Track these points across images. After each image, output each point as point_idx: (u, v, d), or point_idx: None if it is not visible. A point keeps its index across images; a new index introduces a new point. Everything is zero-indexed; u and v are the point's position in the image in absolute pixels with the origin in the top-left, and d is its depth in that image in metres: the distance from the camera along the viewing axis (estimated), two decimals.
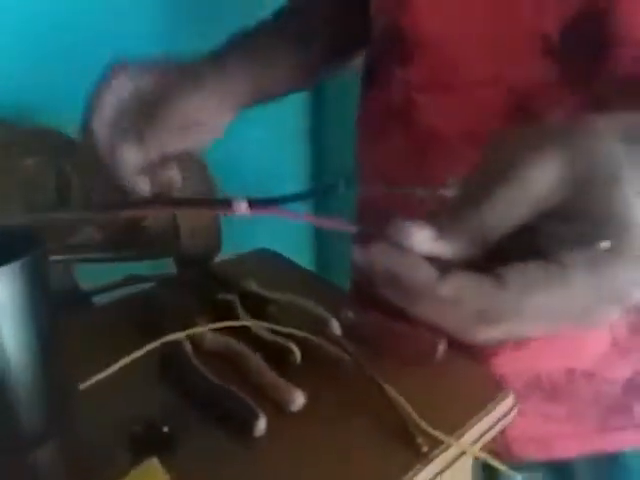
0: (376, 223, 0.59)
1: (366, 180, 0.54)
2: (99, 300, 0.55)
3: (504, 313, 0.22)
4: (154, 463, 0.31)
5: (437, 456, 0.34)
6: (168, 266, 0.60)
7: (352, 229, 0.24)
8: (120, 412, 0.37)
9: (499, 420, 0.38)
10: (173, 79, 0.40)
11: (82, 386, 0.38)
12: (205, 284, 0.51)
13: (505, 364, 0.44)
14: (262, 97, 0.47)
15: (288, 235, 0.85)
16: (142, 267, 0.56)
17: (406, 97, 0.44)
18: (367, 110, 0.52)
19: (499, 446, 0.44)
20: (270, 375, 0.39)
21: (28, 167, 0.50)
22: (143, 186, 0.38)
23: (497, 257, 0.23)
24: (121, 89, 0.38)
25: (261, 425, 0.35)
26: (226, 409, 0.36)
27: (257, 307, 0.46)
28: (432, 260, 0.23)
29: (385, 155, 0.48)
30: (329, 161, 0.90)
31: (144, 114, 0.38)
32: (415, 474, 0.33)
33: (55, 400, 0.37)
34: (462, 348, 0.43)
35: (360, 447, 0.35)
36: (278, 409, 0.37)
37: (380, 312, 0.45)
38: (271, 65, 0.47)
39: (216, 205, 0.27)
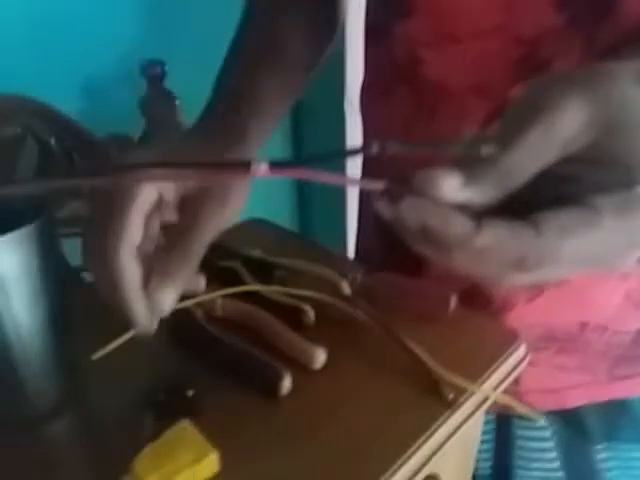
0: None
1: (370, 134, 0.53)
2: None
3: (542, 260, 0.23)
4: (186, 424, 0.30)
5: (463, 403, 0.35)
6: None
7: (379, 186, 0.23)
8: (138, 381, 0.36)
9: (514, 368, 0.39)
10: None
11: (94, 357, 0.37)
12: (205, 253, 0.50)
13: (520, 318, 0.44)
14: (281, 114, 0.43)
15: (272, 205, 0.84)
16: None
17: (410, 52, 0.43)
18: (371, 69, 0.51)
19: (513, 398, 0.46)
20: (289, 335, 0.38)
21: (7, 138, 0.48)
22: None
23: (528, 206, 0.23)
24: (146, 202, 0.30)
25: (286, 383, 0.35)
26: (249, 370, 0.36)
27: (264, 273, 0.46)
28: (461, 210, 0.23)
29: (392, 114, 0.47)
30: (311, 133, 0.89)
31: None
32: (443, 422, 0.34)
33: (67, 371, 0.35)
34: (477, 305, 0.44)
35: (386, 400, 0.35)
36: (300, 368, 0.37)
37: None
38: (293, 69, 0.43)
39: (233, 168, 0.25)
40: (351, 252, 0.70)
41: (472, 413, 0.35)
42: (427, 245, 0.24)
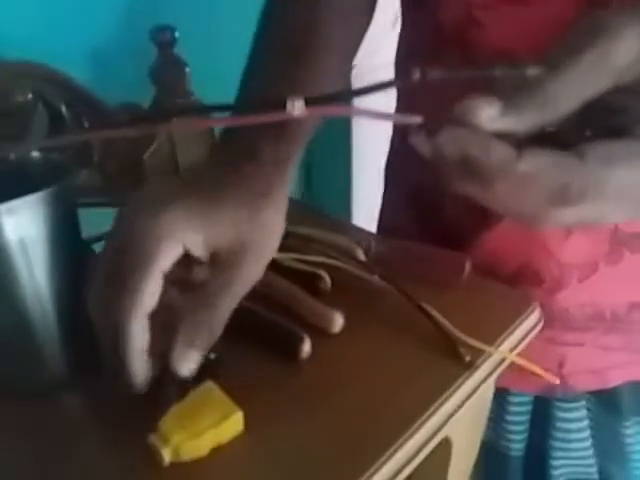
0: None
1: (410, 106, 0.48)
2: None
3: (586, 189, 0.21)
4: (211, 385, 0.31)
5: (481, 365, 0.35)
6: None
7: (416, 120, 0.22)
8: (155, 344, 0.36)
9: (530, 331, 0.39)
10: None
11: None
12: None
13: (571, 297, 0.44)
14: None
15: None
16: None
17: (463, 14, 0.39)
18: (411, 35, 0.47)
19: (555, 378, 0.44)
20: (306, 299, 0.39)
21: (19, 105, 0.47)
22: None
23: (574, 138, 0.22)
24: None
25: (306, 347, 0.35)
26: (269, 335, 0.36)
27: None
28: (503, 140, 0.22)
29: (436, 90, 0.44)
30: None
31: None
32: (461, 383, 0.34)
33: (85, 336, 0.36)
34: (528, 283, 0.43)
35: (404, 363, 0.36)
36: (318, 332, 0.37)
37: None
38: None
39: (268, 109, 0.24)
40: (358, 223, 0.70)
41: (489, 375, 0.35)
42: (467, 179, 0.23)
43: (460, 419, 0.34)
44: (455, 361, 0.35)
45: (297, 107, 0.22)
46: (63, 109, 0.49)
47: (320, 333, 0.37)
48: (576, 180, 0.21)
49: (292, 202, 0.62)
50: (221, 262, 0.30)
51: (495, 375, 0.36)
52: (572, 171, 0.21)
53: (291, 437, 0.31)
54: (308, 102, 0.23)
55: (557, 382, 0.36)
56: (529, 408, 0.50)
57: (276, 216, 0.33)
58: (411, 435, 0.31)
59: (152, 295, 0.27)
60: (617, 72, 0.21)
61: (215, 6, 0.55)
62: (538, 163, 0.21)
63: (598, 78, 0.21)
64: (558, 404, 0.49)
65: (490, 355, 0.36)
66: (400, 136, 0.52)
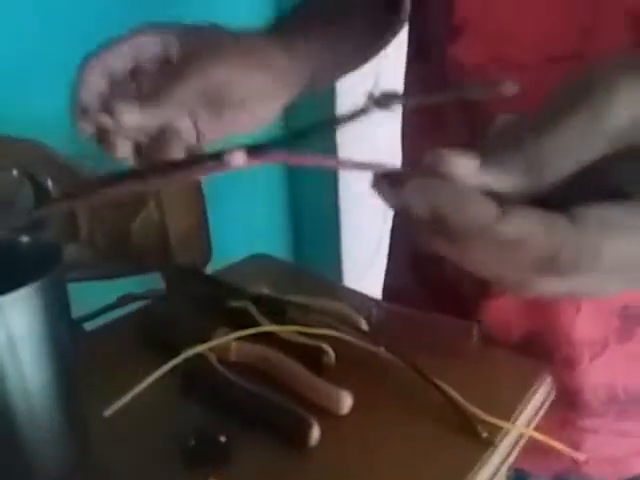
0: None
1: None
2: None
3: (579, 258, 0.19)
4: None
5: (500, 442, 0.33)
6: (156, 285, 0.56)
7: (376, 168, 0.20)
8: (159, 430, 0.34)
9: (544, 402, 0.38)
10: (211, 42, 0.33)
11: (106, 413, 0.35)
12: (211, 293, 0.48)
13: (582, 378, 0.42)
14: (316, 82, 0.41)
15: (264, 237, 0.83)
16: (127, 287, 0.52)
17: (462, 79, 0.38)
18: (416, 85, 0.46)
19: (569, 465, 0.43)
20: (310, 378, 0.37)
21: (7, 184, 0.46)
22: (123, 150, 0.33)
23: (564, 199, 0.19)
24: (131, 52, 0.33)
25: (315, 434, 0.33)
26: (275, 419, 0.34)
27: (275, 311, 0.44)
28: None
29: (439, 143, 0.44)
30: None
31: (162, 77, 0.32)
32: (483, 463, 0.32)
33: (78, 432, 0.33)
34: (535, 357, 0.40)
35: (419, 443, 0.34)
36: (325, 413, 0.35)
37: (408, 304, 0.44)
38: (330, 47, 0.41)
39: (207, 162, 0.22)
40: (347, 283, 0.68)
41: (510, 452, 0.34)
42: (438, 237, 0.20)
43: None
44: (472, 439, 0.34)
45: (237, 158, 0.21)
46: (49, 184, 0.48)
47: (327, 414, 0.35)
48: (567, 247, 0.19)
49: (287, 267, 0.61)
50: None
51: (515, 453, 0.34)
52: (563, 237, 0.19)
53: None
54: (249, 152, 0.21)
55: (582, 458, 0.34)
56: None
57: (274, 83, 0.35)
58: None
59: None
60: (611, 138, 0.19)
61: None
62: (523, 225, 0.19)
63: (589, 145, 0.19)
64: None
65: (508, 431, 0.34)
66: None
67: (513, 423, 0.35)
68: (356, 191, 0.84)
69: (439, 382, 0.36)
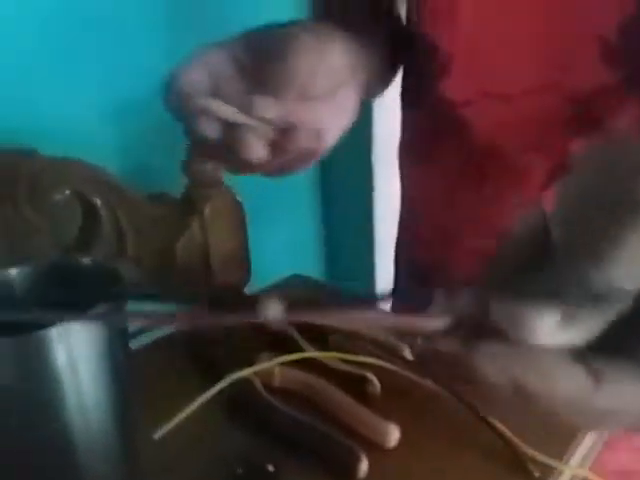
0: (423, 281, 0.50)
1: (412, 206, 0.51)
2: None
3: (600, 418, 0.19)
4: None
5: None
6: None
7: (440, 323, 0.19)
8: (207, 457, 0.34)
9: (597, 441, 0.37)
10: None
11: (155, 436, 0.35)
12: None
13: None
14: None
15: (297, 256, 0.83)
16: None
17: (452, 114, 0.41)
18: (410, 132, 0.49)
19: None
20: (356, 408, 0.36)
21: (57, 202, 0.47)
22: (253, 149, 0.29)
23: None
24: (218, 62, 0.30)
25: (363, 467, 0.33)
26: (322, 449, 0.34)
27: (318, 337, 0.44)
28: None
29: (437, 178, 0.45)
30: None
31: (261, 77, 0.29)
32: None
33: (130, 454, 0.33)
34: None
35: (468, 479, 0.33)
36: (372, 445, 0.34)
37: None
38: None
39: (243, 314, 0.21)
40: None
41: None
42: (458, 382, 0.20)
43: None
44: (523, 477, 0.33)
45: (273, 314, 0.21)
46: (98, 204, 0.49)
47: (374, 446, 0.35)
48: (589, 410, 0.18)
49: (327, 289, 0.61)
50: None
51: None
52: (586, 398, 0.18)
53: None
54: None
55: None
56: None
57: None
58: None
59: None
60: None
61: None
62: (620, 394, 0.18)
63: None
64: None
65: (562, 472, 0.33)
66: (404, 218, 0.54)
67: (566, 463, 0.34)
68: (390, 209, 0.84)
69: (490, 417, 0.35)
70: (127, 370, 0.32)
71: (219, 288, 0.55)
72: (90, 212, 0.49)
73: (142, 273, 0.51)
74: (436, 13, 0.39)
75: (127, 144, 0.60)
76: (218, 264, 0.55)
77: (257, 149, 0.29)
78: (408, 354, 0.42)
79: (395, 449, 0.35)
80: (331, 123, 0.31)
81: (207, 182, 0.54)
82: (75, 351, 0.28)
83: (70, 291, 0.33)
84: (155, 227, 0.52)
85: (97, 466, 0.32)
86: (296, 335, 0.44)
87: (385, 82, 0.48)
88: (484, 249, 0.38)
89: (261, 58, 0.30)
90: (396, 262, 0.57)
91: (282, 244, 0.77)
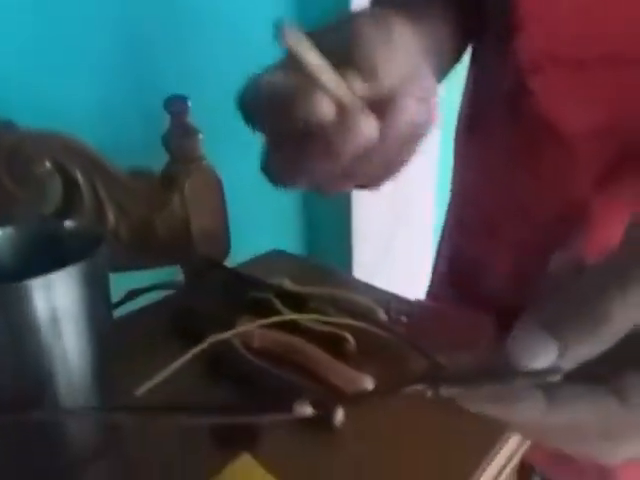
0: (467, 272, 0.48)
1: (462, 187, 0.48)
2: None
3: (632, 433, 0.19)
4: (248, 458, 0.29)
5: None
6: (171, 278, 0.58)
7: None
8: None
9: None
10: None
11: (137, 392, 0.36)
12: (233, 285, 0.50)
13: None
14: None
15: (277, 232, 0.84)
16: (143, 280, 0.53)
17: (518, 82, 0.36)
18: (471, 93, 0.46)
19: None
20: (333, 363, 0.38)
21: (38, 174, 0.48)
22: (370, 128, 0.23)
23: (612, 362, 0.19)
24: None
25: (339, 416, 0.34)
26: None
27: (297, 303, 0.45)
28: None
29: (492, 155, 0.42)
30: None
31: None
32: (501, 446, 0.33)
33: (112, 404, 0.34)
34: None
35: (438, 427, 0.35)
36: (349, 397, 0.36)
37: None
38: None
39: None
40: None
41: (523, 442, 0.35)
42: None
43: None
44: (491, 427, 0.35)
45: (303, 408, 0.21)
46: (78, 176, 0.50)
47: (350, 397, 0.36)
48: (618, 426, 0.19)
49: (306, 262, 0.62)
50: None
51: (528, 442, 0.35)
52: (614, 418, 0.19)
53: None
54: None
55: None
56: None
57: None
58: None
59: None
60: None
61: (229, 74, 0.57)
62: (573, 412, 0.19)
63: None
64: None
65: None
66: (451, 202, 0.52)
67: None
68: (368, 195, 0.86)
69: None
70: (108, 324, 0.33)
71: (199, 262, 0.56)
72: (70, 185, 0.50)
73: (120, 245, 0.52)
74: None
75: (107, 119, 0.60)
76: (198, 238, 0.56)
77: (369, 126, 0.22)
78: (382, 315, 0.43)
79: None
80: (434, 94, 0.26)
81: (187, 158, 0.55)
82: (56, 302, 0.29)
83: (54, 254, 0.33)
84: (135, 201, 0.53)
85: (75, 420, 0.33)
86: (275, 301, 0.45)
87: (456, 58, 0.43)
88: (527, 242, 0.38)
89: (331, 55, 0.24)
90: (438, 250, 0.55)
91: (262, 219, 0.78)
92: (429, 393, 0.20)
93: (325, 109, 0.22)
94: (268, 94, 0.23)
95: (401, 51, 0.25)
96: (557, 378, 0.18)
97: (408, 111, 0.23)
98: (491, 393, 0.19)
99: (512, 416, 0.19)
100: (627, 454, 0.20)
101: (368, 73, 0.23)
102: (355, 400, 0.22)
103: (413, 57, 0.25)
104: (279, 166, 0.25)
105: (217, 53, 0.65)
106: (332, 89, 0.22)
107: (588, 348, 0.18)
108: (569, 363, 0.18)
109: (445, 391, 0.19)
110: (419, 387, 0.20)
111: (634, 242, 0.19)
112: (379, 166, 0.25)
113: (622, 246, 0.19)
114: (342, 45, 0.24)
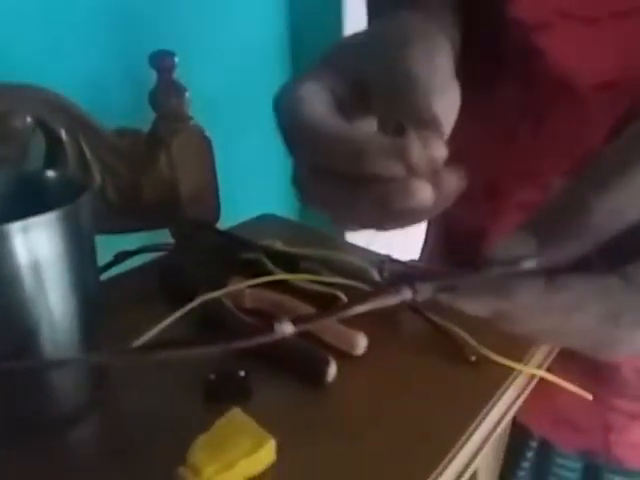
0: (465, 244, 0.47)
1: (458, 148, 0.47)
2: None
3: (635, 313, 0.19)
4: (238, 412, 0.29)
5: (511, 384, 0.34)
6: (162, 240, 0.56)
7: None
8: (179, 368, 0.35)
9: (553, 349, 0.39)
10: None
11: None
12: (223, 246, 0.49)
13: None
14: None
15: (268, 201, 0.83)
16: (133, 243, 0.52)
17: (522, 38, 0.35)
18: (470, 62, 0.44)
19: (599, 444, 0.42)
20: (327, 322, 0.37)
21: (19, 130, 0.46)
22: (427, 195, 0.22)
23: (612, 256, 0.19)
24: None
25: (332, 371, 0.34)
26: (293, 357, 0.34)
27: (289, 263, 0.45)
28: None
29: (496, 109, 0.41)
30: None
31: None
32: (494, 403, 0.33)
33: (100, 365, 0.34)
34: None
35: (431, 383, 0.34)
36: (341, 354, 0.36)
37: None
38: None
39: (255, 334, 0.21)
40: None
41: (521, 393, 0.34)
42: (501, 322, 0.20)
43: (486, 453, 0.33)
44: (483, 380, 0.34)
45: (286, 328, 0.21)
46: (62, 134, 0.48)
47: (343, 355, 0.36)
48: (627, 307, 0.19)
49: (297, 225, 0.61)
50: None
51: (527, 392, 0.35)
52: (621, 298, 0.19)
53: (323, 465, 0.29)
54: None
55: (589, 397, 0.34)
56: (578, 475, 0.46)
57: None
58: (450, 461, 0.30)
59: None
60: None
61: (216, 31, 0.55)
62: (573, 291, 0.19)
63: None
64: (609, 476, 0.44)
65: (520, 373, 0.35)
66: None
67: (525, 364, 0.35)
68: None
69: (453, 327, 0.37)
70: (94, 277, 0.32)
71: (189, 224, 0.55)
72: (54, 142, 0.48)
73: (107, 206, 0.51)
74: None
75: (96, 77, 0.58)
76: (186, 199, 0.55)
77: (427, 193, 0.22)
78: (375, 275, 0.43)
79: (362, 357, 0.36)
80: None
81: (174, 116, 0.54)
82: (37, 250, 0.28)
83: (37, 203, 0.32)
84: (121, 160, 0.51)
85: (63, 373, 0.32)
86: (266, 261, 0.45)
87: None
88: (532, 204, 0.36)
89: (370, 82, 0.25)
90: (429, 222, 0.54)
91: (253, 185, 0.77)
92: (408, 295, 0.20)
93: (427, 195, 0.22)
94: (315, 130, 0.23)
95: (452, 95, 0.26)
96: (532, 264, 0.18)
97: (457, 184, 0.23)
98: (487, 283, 0.19)
99: (510, 302, 0.19)
100: (630, 340, 0.20)
101: (426, 124, 0.24)
102: (343, 308, 0.21)
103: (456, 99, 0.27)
104: (319, 197, 0.25)
105: (205, 9, 0.63)
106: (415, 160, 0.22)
107: (567, 242, 0.18)
108: (551, 259, 0.18)
109: (423, 289, 0.20)
110: (397, 289, 0.20)
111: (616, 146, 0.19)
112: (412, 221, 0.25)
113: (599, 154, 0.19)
114: (396, 90, 0.24)
